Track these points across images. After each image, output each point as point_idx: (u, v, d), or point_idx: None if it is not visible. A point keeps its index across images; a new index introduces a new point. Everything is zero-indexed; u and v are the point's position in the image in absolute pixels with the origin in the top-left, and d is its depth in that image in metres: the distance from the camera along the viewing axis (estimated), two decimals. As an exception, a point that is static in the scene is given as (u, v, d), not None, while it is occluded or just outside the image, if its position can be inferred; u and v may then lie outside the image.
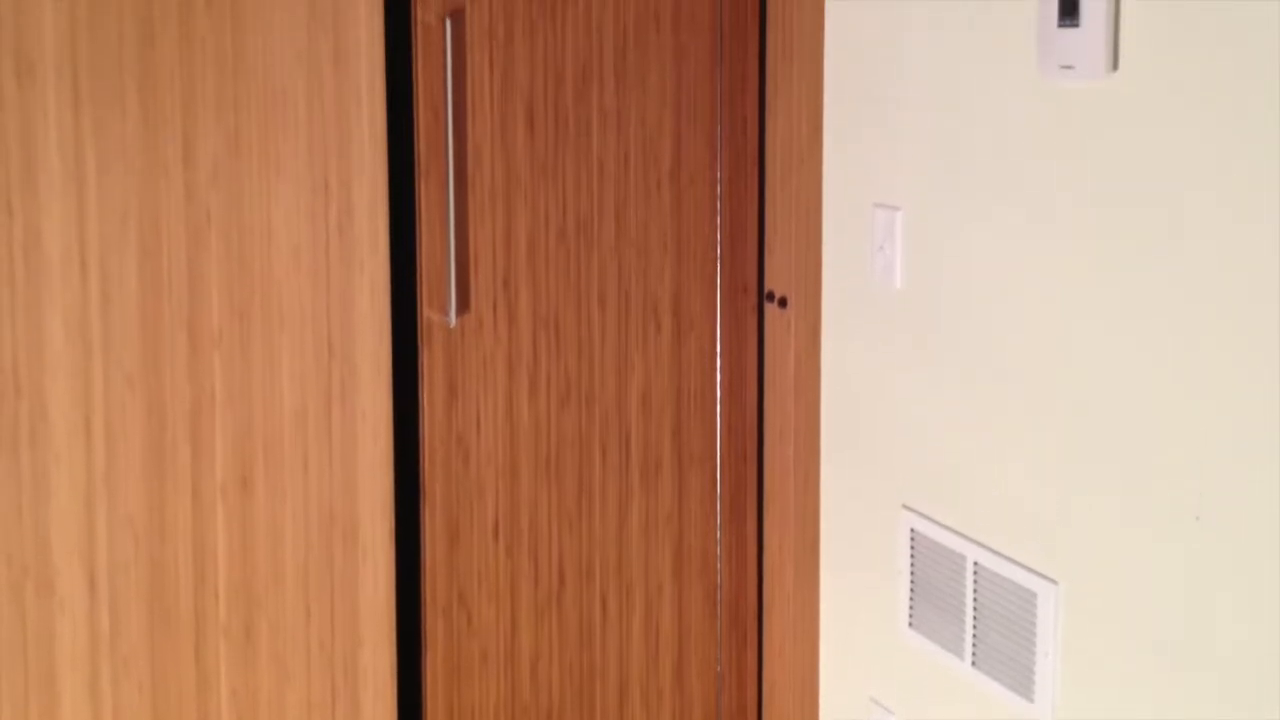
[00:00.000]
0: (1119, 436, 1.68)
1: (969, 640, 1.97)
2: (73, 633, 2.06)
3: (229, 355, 2.09)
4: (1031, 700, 1.85)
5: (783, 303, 2.42)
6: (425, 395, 2.25)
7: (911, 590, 2.12)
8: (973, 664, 1.97)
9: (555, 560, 2.43)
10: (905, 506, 2.13)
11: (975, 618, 1.96)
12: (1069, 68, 1.69)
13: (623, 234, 2.42)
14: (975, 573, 1.96)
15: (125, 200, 2.01)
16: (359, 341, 2.17)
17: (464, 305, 2.27)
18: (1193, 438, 1.56)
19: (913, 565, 2.11)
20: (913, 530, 2.10)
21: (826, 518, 2.37)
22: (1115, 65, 1.63)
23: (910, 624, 2.13)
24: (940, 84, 1.98)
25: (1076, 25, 1.65)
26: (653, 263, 2.46)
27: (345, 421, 2.18)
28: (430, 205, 2.21)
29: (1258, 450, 1.48)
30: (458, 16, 2.23)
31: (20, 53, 1.94)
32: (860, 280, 2.23)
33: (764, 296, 2.51)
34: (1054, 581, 1.82)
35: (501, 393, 2.33)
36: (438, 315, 2.23)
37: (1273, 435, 1.45)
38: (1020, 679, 1.87)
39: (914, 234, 2.07)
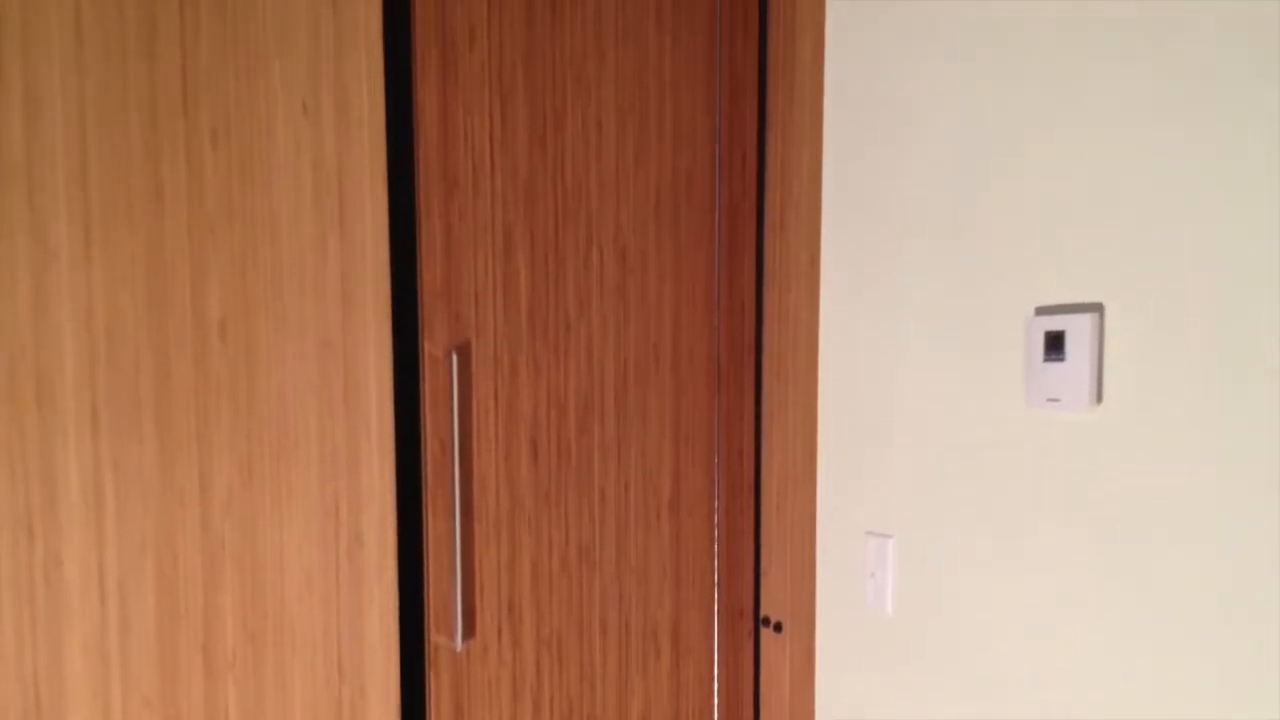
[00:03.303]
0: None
1: None
2: None
3: (243, 678, 2.12)
4: None
5: (778, 627, 2.46)
6: (432, 717, 2.26)
7: None
8: None
9: None
10: (901, 831, 2.13)
11: None
12: (1055, 400, 1.75)
13: (623, 561, 2.48)
14: None
15: (143, 527, 2.05)
16: (368, 664, 2.20)
17: (470, 630, 2.31)
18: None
19: None
20: None
21: (824, 842, 2.36)
22: (1100, 398, 1.69)
23: None
24: (930, 414, 2.05)
25: (1062, 360, 1.72)
26: (652, 589, 2.52)
27: (353, 743, 2.20)
28: (437, 532, 2.27)
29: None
30: (463, 350, 2.34)
31: (41, 381, 2.01)
32: (853, 606, 2.27)
33: (760, 621, 2.55)
34: None
35: (506, 715, 2.38)
36: (444, 639, 2.27)
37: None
38: None
39: (905, 561, 2.12)
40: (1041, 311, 1.79)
